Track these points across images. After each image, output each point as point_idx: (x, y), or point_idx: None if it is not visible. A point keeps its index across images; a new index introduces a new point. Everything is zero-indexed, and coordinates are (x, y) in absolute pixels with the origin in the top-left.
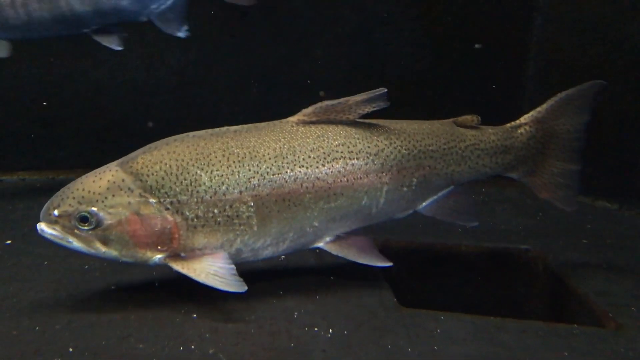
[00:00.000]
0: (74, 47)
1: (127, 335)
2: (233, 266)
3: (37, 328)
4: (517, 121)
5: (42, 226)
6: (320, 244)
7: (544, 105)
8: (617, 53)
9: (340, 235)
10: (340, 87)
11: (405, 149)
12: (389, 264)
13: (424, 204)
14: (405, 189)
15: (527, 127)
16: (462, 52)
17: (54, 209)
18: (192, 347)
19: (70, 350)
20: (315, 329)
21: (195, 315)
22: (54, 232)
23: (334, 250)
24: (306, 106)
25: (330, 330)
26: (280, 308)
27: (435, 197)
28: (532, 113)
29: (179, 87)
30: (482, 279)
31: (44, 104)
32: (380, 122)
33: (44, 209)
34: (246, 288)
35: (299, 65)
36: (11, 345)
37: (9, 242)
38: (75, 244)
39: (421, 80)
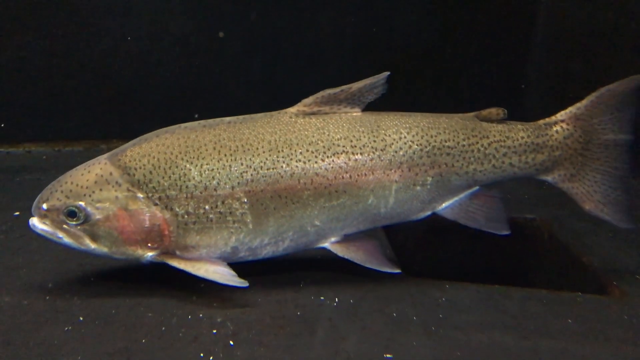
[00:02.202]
0: (78, 17)
1: (136, 304)
2: (231, 270)
3: (47, 298)
4: (552, 117)
5: (33, 221)
6: (325, 245)
7: (584, 102)
8: (626, 20)
9: (348, 235)
10: (346, 57)
11: (417, 144)
12: (398, 270)
13: (443, 205)
14: (418, 188)
15: (563, 125)
16: (469, 21)
17: (43, 202)
18: (201, 315)
19: (81, 319)
20: (322, 297)
21: (202, 285)
22: (44, 228)
23: (340, 251)
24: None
25: (337, 299)
26: (287, 278)
27: (456, 198)
28: (570, 109)
29: (182, 57)
30: (487, 247)
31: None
32: (390, 114)
33: (35, 202)
34: (247, 284)
35: (304, 34)
36: (22, 315)
37: (17, 213)
38: (65, 239)
39: (428, 49)
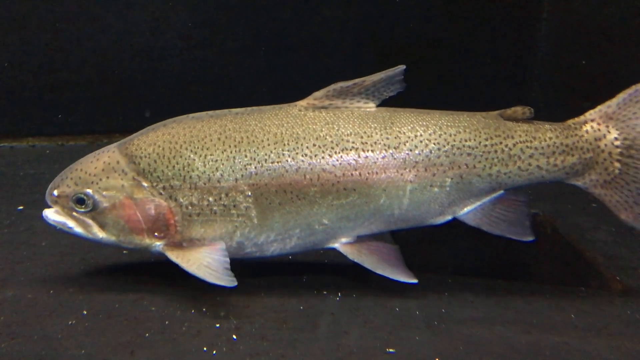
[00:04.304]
0: (81, 12)
1: (139, 298)
2: (227, 259)
3: (51, 291)
4: (582, 117)
5: (46, 212)
6: (336, 245)
7: (614, 100)
8: (632, 13)
9: (362, 237)
10: (348, 49)
11: (434, 143)
12: (414, 280)
13: (465, 209)
14: (436, 189)
15: (594, 125)
16: (473, 12)
17: (54, 189)
18: (204, 309)
19: (84, 312)
20: (325, 292)
21: None
22: (56, 219)
23: (351, 254)
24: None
25: (339, 293)
26: (290, 272)
27: (479, 202)
28: (600, 107)
29: (185, 51)
30: (490, 242)
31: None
32: (406, 110)
33: (48, 188)
34: (236, 283)
35: (307, 26)
36: (27, 308)
37: (20, 207)
38: (75, 229)
39: (430, 41)
